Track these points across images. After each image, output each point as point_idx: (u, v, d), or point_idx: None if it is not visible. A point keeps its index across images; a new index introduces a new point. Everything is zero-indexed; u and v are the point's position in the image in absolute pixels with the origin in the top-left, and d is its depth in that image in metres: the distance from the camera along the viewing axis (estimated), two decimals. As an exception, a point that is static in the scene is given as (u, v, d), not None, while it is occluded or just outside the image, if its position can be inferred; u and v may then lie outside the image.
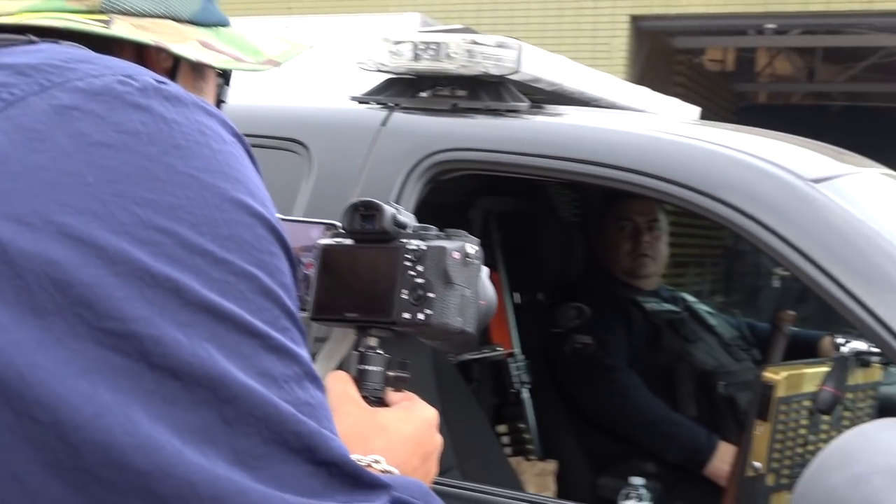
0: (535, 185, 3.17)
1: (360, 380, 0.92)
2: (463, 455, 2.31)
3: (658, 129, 1.85)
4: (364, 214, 0.94)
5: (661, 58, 12.19)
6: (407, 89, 1.88)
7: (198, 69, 0.80)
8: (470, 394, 2.57)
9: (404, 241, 0.93)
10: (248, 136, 0.69)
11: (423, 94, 1.88)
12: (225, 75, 0.86)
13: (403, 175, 1.73)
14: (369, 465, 0.79)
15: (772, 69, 15.64)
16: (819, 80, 15.59)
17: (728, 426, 2.64)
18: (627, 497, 2.39)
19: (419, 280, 0.90)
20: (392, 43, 1.81)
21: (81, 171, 0.58)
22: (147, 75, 0.64)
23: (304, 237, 1.03)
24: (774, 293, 5.76)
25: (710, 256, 6.63)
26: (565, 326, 2.69)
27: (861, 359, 1.90)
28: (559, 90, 2.01)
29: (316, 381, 0.63)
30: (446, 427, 2.29)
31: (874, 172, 1.96)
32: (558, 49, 2.04)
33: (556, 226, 3.03)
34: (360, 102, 1.91)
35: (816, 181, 1.61)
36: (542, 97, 2.04)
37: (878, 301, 1.47)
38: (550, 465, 2.62)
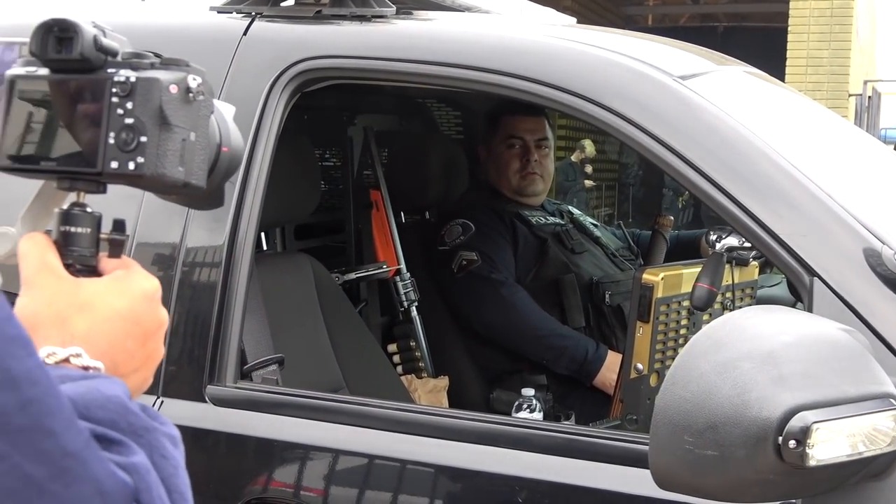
0: (416, 103, 3.12)
1: (63, 244, 0.75)
2: (351, 375, 2.29)
3: (529, 32, 1.82)
4: (60, 37, 0.75)
5: (550, -18, 12.14)
6: (269, -2, 1.80)
7: None
8: (357, 315, 2.54)
9: (112, 71, 0.75)
10: None
11: (287, 3, 1.81)
12: None
13: (267, 85, 1.66)
14: (66, 360, 0.68)
15: (659, -8, 15.77)
16: (704, 2, 15.78)
17: (617, 336, 2.67)
18: (520, 408, 2.41)
19: (128, 120, 0.74)
20: (251, -50, 1.73)
21: None
22: None
23: None
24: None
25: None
26: (451, 243, 2.67)
27: (734, 255, 1.92)
28: (428, -4, 1.96)
29: None
30: (333, 348, 2.28)
31: (738, 70, 1.97)
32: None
33: (439, 144, 2.99)
34: (220, 13, 1.83)
35: (684, 78, 1.61)
36: (412, 5, 1.98)
37: (749, 197, 1.47)
38: (443, 382, 2.62)
